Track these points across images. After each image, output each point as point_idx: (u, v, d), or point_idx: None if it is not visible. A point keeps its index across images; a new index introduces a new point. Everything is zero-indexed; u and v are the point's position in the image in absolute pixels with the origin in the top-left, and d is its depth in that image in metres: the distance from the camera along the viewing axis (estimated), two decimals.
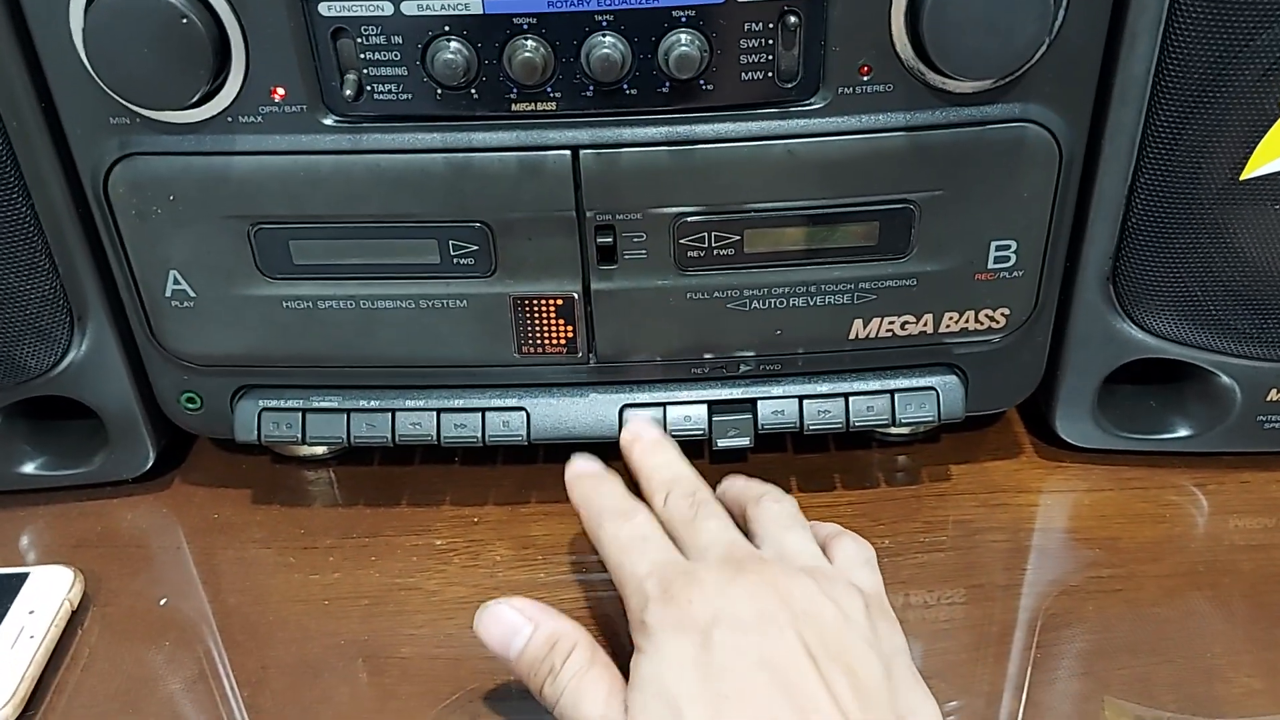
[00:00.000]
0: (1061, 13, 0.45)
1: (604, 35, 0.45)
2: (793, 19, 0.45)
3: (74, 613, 0.52)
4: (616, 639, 0.50)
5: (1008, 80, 0.47)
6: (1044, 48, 0.45)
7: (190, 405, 0.57)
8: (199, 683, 0.50)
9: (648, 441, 0.51)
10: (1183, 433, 0.58)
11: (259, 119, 0.48)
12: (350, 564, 0.56)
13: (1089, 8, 0.46)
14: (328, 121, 0.48)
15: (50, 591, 0.52)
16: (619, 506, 0.47)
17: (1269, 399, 0.56)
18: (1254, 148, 0.48)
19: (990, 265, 0.51)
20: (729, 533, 0.46)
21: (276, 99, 0.47)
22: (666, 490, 0.48)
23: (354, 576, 0.55)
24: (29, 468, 0.59)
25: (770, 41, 0.46)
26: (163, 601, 0.54)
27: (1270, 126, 0.47)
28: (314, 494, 0.60)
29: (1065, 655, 0.49)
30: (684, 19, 0.45)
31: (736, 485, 0.51)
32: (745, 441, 0.56)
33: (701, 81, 0.47)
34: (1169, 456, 0.58)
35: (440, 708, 0.48)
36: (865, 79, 0.47)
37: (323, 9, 0.45)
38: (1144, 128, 0.49)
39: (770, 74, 0.47)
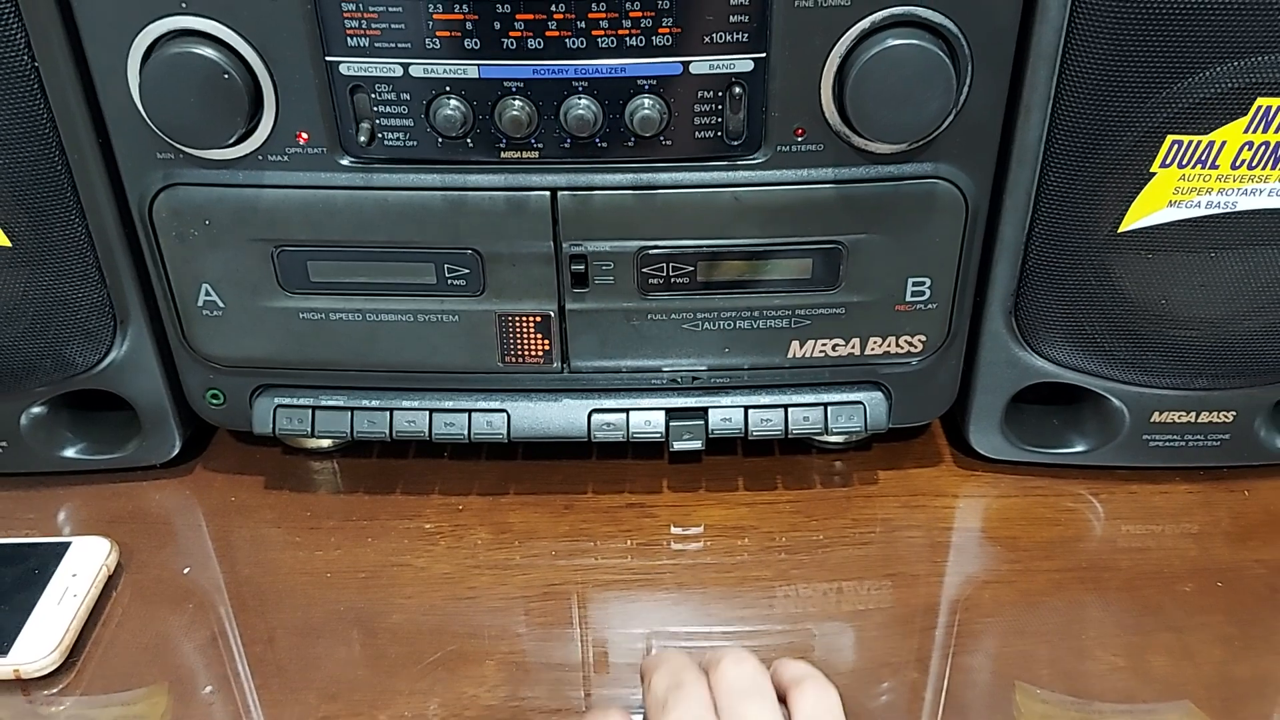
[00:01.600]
0: (965, 89, 0.52)
1: (579, 98, 0.52)
2: (738, 89, 0.52)
3: (110, 578, 0.58)
4: (568, 611, 0.57)
5: (920, 144, 0.53)
6: (950, 118, 0.52)
7: (214, 401, 0.63)
8: (216, 640, 0.56)
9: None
10: (1080, 448, 0.64)
11: (285, 158, 0.54)
12: (350, 543, 0.61)
13: (989, 85, 0.52)
14: (344, 162, 0.54)
15: (90, 558, 0.58)
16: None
17: (1153, 420, 0.62)
18: (1130, 205, 0.55)
19: (908, 298, 0.58)
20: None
21: (301, 142, 0.54)
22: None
23: (353, 554, 0.61)
24: (70, 452, 0.65)
25: (719, 107, 0.53)
26: (186, 571, 0.60)
27: (1144, 187, 0.54)
28: (319, 482, 0.66)
29: (963, 635, 0.56)
30: (647, 86, 0.52)
31: (714, 655, 0.49)
32: (698, 445, 0.62)
33: (661, 138, 0.53)
34: (1068, 468, 0.65)
35: (423, 664, 0.54)
36: (800, 139, 0.54)
37: (343, 69, 0.52)
38: (1038, 185, 0.55)
39: (719, 133, 0.54)
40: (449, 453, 0.67)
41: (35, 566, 0.58)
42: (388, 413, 0.62)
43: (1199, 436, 0.63)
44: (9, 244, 0.57)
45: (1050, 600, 0.58)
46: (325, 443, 0.67)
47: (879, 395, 0.62)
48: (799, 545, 0.61)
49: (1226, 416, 0.62)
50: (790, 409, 0.62)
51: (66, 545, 0.59)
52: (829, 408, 0.62)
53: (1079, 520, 0.63)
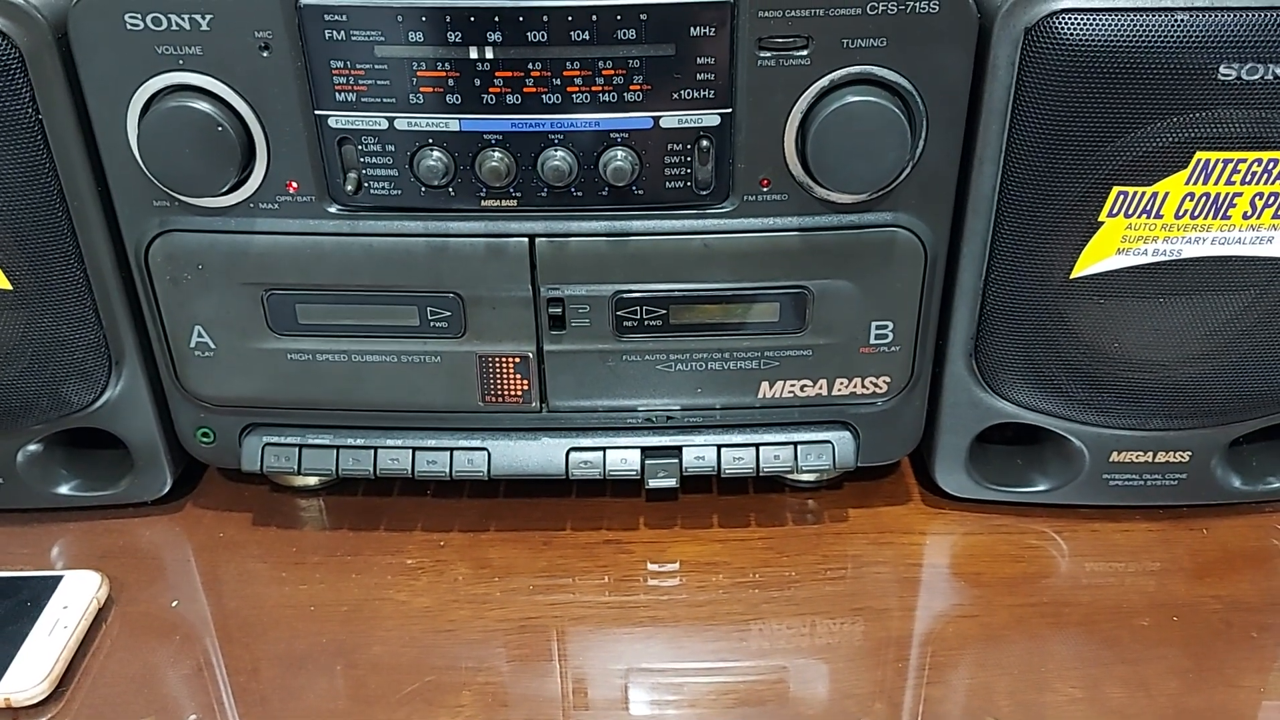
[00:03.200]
0: (921, 143, 0.55)
1: (556, 150, 0.55)
2: (706, 142, 0.55)
3: (100, 610, 0.59)
4: (546, 644, 0.58)
5: (879, 194, 0.56)
6: (907, 170, 0.55)
7: (205, 439, 0.65)
8: (202, 671, 0.57)
9: None
10: (1042, 487, 0.66)
11: (276, 205, 0.56)
12: (334, 577, 0.63)
13: (943, 139, 0.55)
14: (331, 210, 0.57)
15: (81, 591, 0.59)
16: None
17: (1112, 460, 0.64)
18: (1081, 252, 0.57)
19: (872, 341, 0.61)
20: None
21: (291, 191, 0.56)
22: None
23: (336, 588, 0.62)
24: (64, 489, 0.66)
25: (689, 158, 0.55)
26: (174, 604, 0.61)
27: (1093, 236, 0.56)
28: (305, 519, 0.67)
29: (929, 667, 0.58)
30: (619, 139, 0.55)
31: None
32: (672, 482, 0.64)
33: (634, 187, 0.56)
34: (1032, 507, 0.67)
35: (402, 694, 0.56)
36: (765, 189, 0.56)
37: (331, 122, 0.54)
38: (993, 234, 0.57)
39: (689, 183, 0.56)
40: (431, 490, 0.69)
41: (28, 599, 0.59)
42: (372, 451, 0.64)
43: (1157, 476, 0.65)
44: (10, 287, 0.59)
45: (1012, 634, 0.60)
46: (311, 481, 0.69)
47: (847, 435, 0.64)
48: (771, 581, 0.63)
49: (1182, 456, 0.64)
50: (761, 448, 0.64)
51: (58, 579, 0.61)
52: (799, 446, 0.64)
53: (1042, 557, 0.65)
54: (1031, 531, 0.66)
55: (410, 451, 0.64)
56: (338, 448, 0.64)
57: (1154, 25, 0.51)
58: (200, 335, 0.61)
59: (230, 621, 0.61)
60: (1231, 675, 0.57)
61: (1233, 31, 0.51)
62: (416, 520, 0.67)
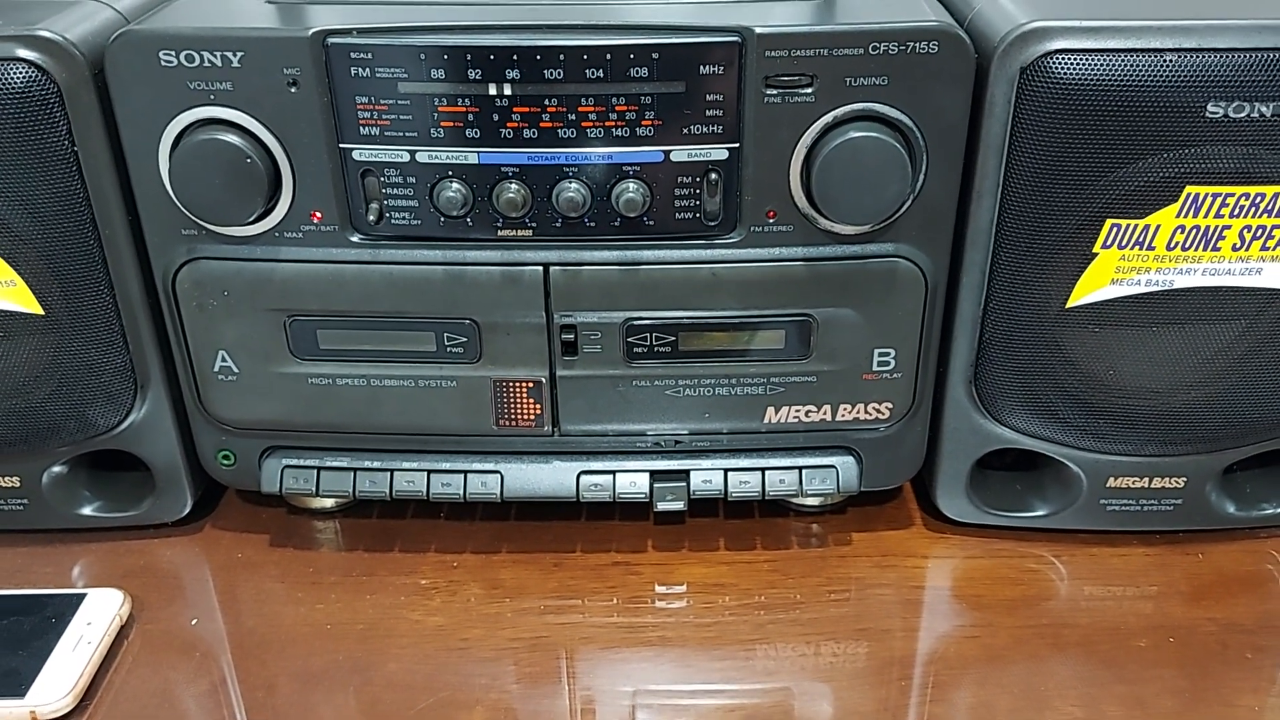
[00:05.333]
0: (921, 176, 0.57)
1: (570, 182, 0.57)
2: (714, 175, 0.57)
3: (122, 627, 0.61)
4: (556, 662, 0.60)
5: (881, 226, 0.58)
6: (907, 203, 0.57)
7: (225, 461, 0.66)
8: (220, 687, 0.59)
9: None
10: (1041, 511, 0.67)
11: (300, 235, 0.59)
12: (350, 597, 0.64)
13: (943, 173, 0.57)
14: (354, 239, 0.59)
15: (104, 608, 0.61)
16: None
17: (1108, 485, 0.66)
18: (1076, 282, 0.59)
19: (874, 368, 0.62)
20: None
21: (315, 220, 0.58)
22: None
23: (352, 607, 0.64)
24: (87, 510, 0.68)
25: (698, 190, 0.58)
26: (194, 622, 0.63)
27: (1088, 266, 0.58)
28: (322, 540, 0.69)
29: (929, 685, 0.59)
30: (631, 172, 0.57)
31: None
32: (680, 505, 0.65)
33: (645, 218, 0.58)
34: (1032, 531, 0.68)
35: (416, 710, 0.57)
36: (771, 221, 0.58)
37: (355, 155, 0.57)
38: (991, 264, 0.59)
39: (698, 214, 0.58)
40: (445, 513, 0.70)
41: (53, 615, 0.61)
42: (388, 473, 0.66)
43: (1153, 501, 0.67)
44: (42, 312, 0.61)
45: (1013, 654, 0.61)
46: (328, 503, 0.70)
47: (850, 459, 0.66)
48: (776, 603, 0.64)
49: (1177, 482, 0.66)
50: (767, 471, 0.66)
51: (82, 596, 0.62)
52: (803, 471, 0.65)
53: (1041, 580, 0.66)
54: (1031, 555, 0.68)
55: (425, 474, 0.66)
56: (355, 470, 0.66)
57: (1143, 65, 0.53)
58: (224, 360, 0.62)
59: (248, 639, 0.62)
60: (1227, 695, 0.58)
61: (1218, 72, 0.53)
62: (430, 542, 0.69)
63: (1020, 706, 0.58)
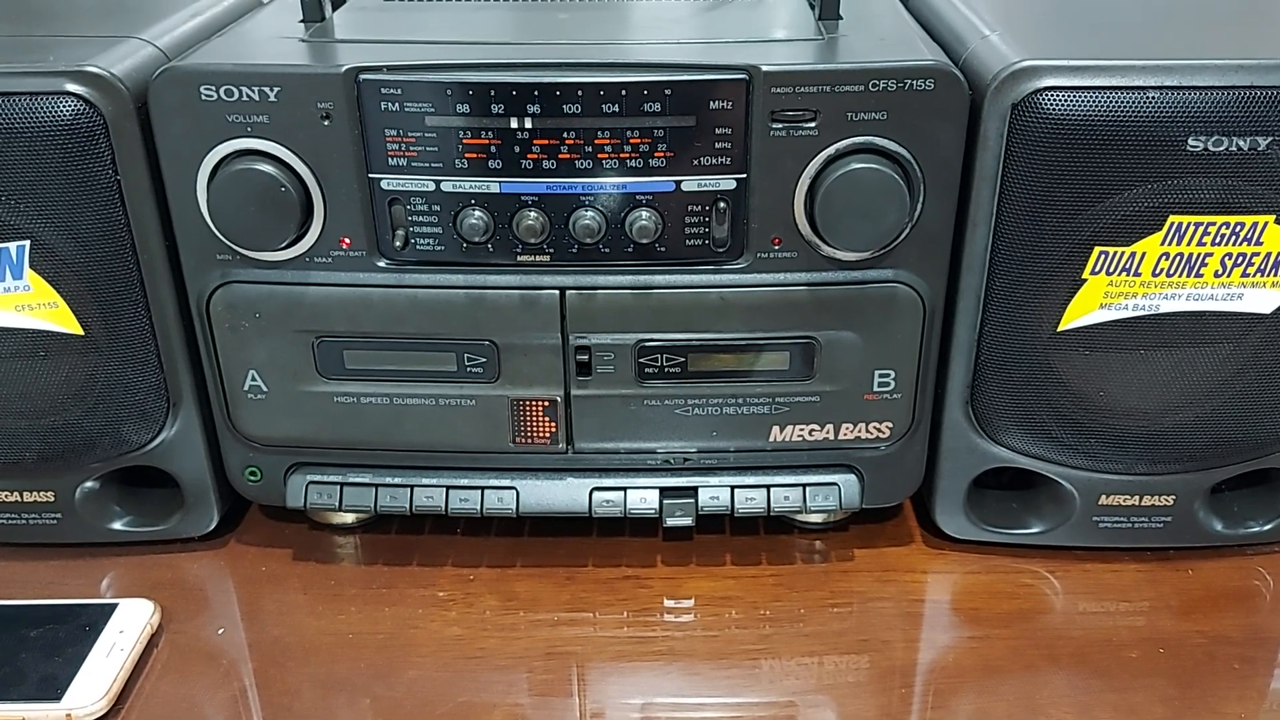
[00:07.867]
0: (919, 205, 0.59)
1: (586, 210, 0.60)
2: (723, 204, 0.60)
3: (152, 636, 0.63)
4: (569, 671, 0.62)
5: (880, 252, 0.60)
6: (906, 231, 0.59)
7: (252, 478, 0.69)
8: (246, 693, 0.61)
9: None
10: (1036, 529, 0.70)
11: (330, 260, 0.61)
12: (370, 608, 0.66)
13: (939, 203, 0.60)
14: (380, 264, 0.62)
15: (135, 617, 0.63)
16: None
17: (1100, 503, 0.68)
18: (1067, 307, 0.61)
19: (875, 388, 0.65)
20: None
21: (344, 246, 0.61)
22: None
23: (372, 618, 0.66)
24: (117, 524, 0.70)
25: (707, 219, 0.60)
26: (220, 631, 0.65)
27: (1078, 292, 0.61)
28: (342, 555, 0.71)
29: (928, 693, 0.61)
30: (644, 201, 0.60)
31: None
32: (688, 521, 0.68)
33: (656, 245, 0.60)
34: (1027, 548, 0.70)
35: (435, 715, 0.59)
36: (777, 247, 0.61)
37: (383, 184, 0.59)
38: (986, 290, 0.62)
39: (707, 241, 0.61)
40: (461, 528, 0.73)
41: (86, 624, 0.63)
42: (409, 489, 0.68)
43: (1144, 518, 0.69)
44: (81, 332, 0.64)
45: (1009, 665, 0.63)
46: (348, 518, 0.72)
47: (853, 477, 0.68)
48: (781, 616, 0.66)
49: (1167, 500, 0.68)
50: (772, 488, 0.68)
51: (114, 606, 0.65)
52: (807, 488, 0.68)
53: (1036, 595, 0.68)
54: (1027, 571, 0.70)
55: (444, 490, 0.68)
56: (376, 486, 0.68)
57: (1127, 101, 0.57)
58: (254, 379, 0.65)
59: (272, 648, 0.64)
60: (1215, 703, 0.60)
61: (1199, 107, 0.56)
62: (447, 556, 0.71)
63: (1015, 713, 0.60)
